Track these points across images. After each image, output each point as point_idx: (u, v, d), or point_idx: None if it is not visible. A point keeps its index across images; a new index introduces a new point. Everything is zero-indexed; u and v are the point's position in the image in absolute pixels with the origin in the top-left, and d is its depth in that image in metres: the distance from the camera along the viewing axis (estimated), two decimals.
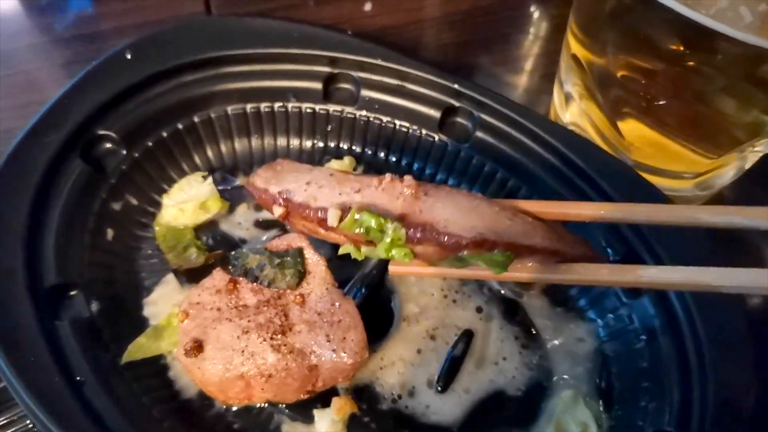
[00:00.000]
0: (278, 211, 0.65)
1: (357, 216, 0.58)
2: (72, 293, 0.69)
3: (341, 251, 0.64)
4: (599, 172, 0.74)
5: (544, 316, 0.75)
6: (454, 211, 0.56)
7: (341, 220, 0.60)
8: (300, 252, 0.71)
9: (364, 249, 0.60)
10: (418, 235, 0.56)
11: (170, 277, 0.75)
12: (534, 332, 0.74)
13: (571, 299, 0.76)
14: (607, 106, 0.80)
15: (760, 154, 0.82)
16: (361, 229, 0.57)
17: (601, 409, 0.69)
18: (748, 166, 0.84)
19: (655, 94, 0.75)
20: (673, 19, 0.66)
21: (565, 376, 0.71)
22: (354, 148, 0.86)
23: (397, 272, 0.65)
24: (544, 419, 0.69)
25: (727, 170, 0.82)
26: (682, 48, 0.71)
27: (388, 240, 0.56)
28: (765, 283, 0.48)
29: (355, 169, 0.84)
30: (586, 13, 0.84)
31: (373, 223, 0.57)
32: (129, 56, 0.80)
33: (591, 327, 0.74)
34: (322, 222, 0.61)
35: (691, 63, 0.72)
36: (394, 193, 0.59)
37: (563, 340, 0.74)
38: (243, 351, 0.66)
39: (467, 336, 0.73)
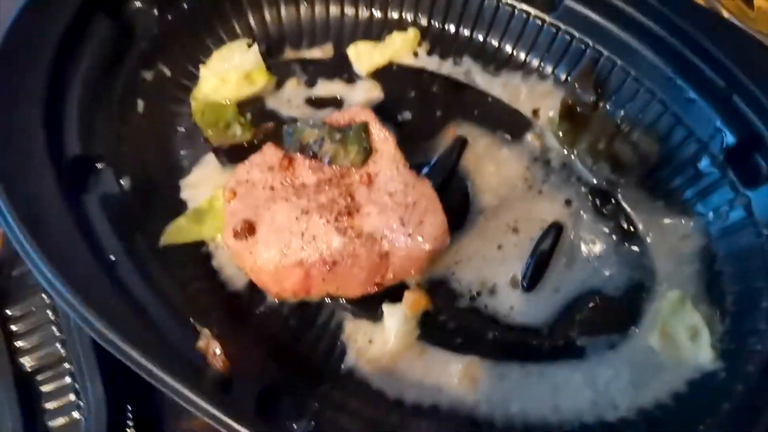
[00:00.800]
0: None
1: None
2: (99, 166, 0.59)
3: None
4: (717, 42, 0.63)
5: (643, 210, 0.64)
6: None
7: None
8: (365, 126, 0.61)
9: None
10: None
11: (210, 157, 0.65)
12: (632, 228, 0.64)
13: (675, 191, 0.65)
14: None
15: None
16: None
17: (714, 312, 0.59)
18: None
19: None
20: None
21: (670, 277, 0.61)
22: (419, 19, 0.74)
23: None
24: (647, 323, 0.59)
25: None
26: None
27: None
28: None
29: (419, 45, 0.73)
30: None
31: None
32: None
33: (699, 222, 0.63)
34: None
35: None
36: None
37: (666, 238, 0.63)
38: (303, 234, 0.56)
39: (556, 229, 0.63)
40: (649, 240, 0.64)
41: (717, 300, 0.60)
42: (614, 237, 0.63)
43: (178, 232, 0.59)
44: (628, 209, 0.65)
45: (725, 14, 0.67)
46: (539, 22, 0.71)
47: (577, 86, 0.69)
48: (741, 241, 0.61)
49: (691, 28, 0.64)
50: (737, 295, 0.60)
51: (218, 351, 0.49)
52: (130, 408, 0.56)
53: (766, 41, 0.67)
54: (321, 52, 0.73)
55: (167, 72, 0.68)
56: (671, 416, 0.54)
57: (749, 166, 0.62)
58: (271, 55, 0.72)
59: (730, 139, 0.63)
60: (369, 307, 0.58)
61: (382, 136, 0.61)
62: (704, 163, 0.64)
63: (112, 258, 0.53)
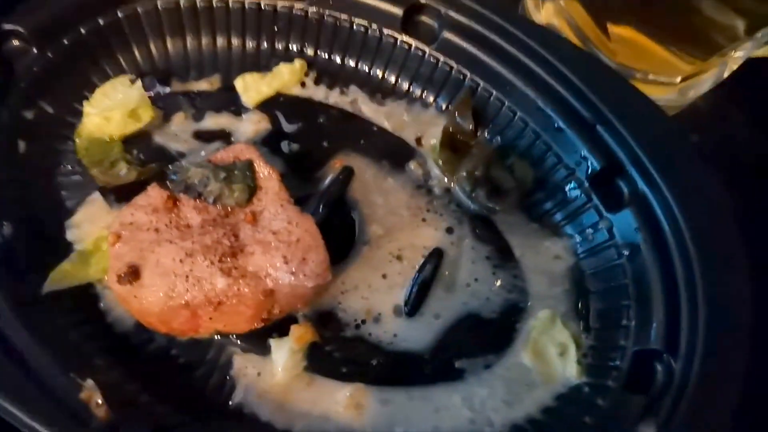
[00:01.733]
0: None
1: None
2: None
3: None
4: (583, 77, 0.67)
5: (518, 234, 0.69)
6: None
7: None
8: (249, 165, 0.63)
9: None
10: None
11: (96, 196, 0.65)
12: (508, 251, 0.68)
13: (547, 214, 0.70)
14: (595, 5, 0.73)
15: (740, 61, 0.77)
16: None
17: (581, 329, 0.64)
18: (727, 73, 0.79)
19: None
20: None
21: (543, 297, 0.66)
22: (305, 50, 0.76)
23: None
24: (520, 342, 0.64)
25: (707, 78, 0.78)
26: None
27: None
28: None
29: (306, 75, 0.75)
30: None
31: None
32: None
33: (568, 243, 0.69)
34: None
35: None
36: None
37: (539, 259, 0.68)
38: (187, 276, 0.57)
39: (436, 256, 0.66)
40: (523, 262, 0.68)
41: (583, 317, 0.65)
42: (491, 261, 0.68)
43: (62, 276, 0.59)
44: (505, 233, 0.69)
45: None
46: (420, 53, 0.74)
47: (456, 115, 0.73)
48: (604, 261, 0.67)
49: (559, 63, 0.69)
50: (601, 312, 0.65)
51: (100, 401, 0.50)
52: None
53: (625, 72, 0.73)
54: (208, 84, 0.73)
55: (49, 109, 0.67)
56: (540, 430, 0.59)
57: (611, 192, 0.67)
58: (157, 88, 0.72)
59: (594, 166, 0.68)
60: (258, 341, 0.60)
61: (266, 173, 0.63)
62: (572, 189, 0.69)
63: None
